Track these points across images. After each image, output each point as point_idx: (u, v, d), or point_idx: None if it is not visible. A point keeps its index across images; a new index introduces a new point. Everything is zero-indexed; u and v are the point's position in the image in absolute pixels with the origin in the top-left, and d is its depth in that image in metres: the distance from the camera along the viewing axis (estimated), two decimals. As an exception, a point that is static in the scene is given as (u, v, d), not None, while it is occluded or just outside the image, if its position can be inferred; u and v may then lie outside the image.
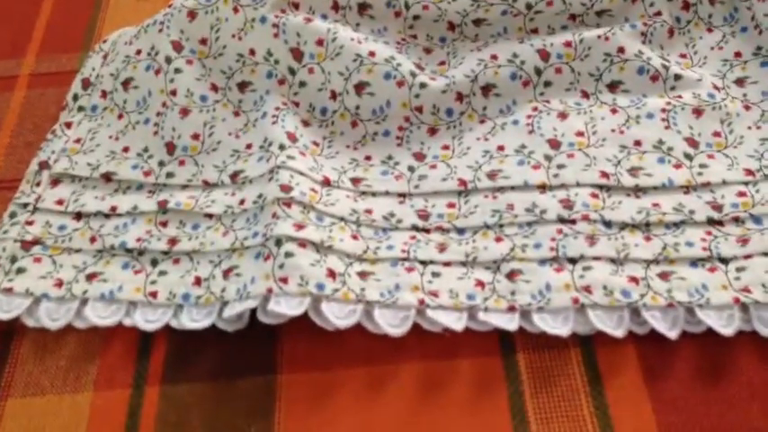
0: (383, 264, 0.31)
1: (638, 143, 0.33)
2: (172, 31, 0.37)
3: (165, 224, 0.33)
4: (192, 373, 0.29)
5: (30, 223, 0.33)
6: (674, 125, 0.34)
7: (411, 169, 0.34)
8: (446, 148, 0.35)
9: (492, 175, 0.33)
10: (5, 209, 0.34)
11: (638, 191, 0.32)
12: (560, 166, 0.33)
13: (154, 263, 0.32)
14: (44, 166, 0.35)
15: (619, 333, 0.28)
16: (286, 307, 0.29)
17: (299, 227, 0.31)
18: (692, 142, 0.33)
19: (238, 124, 0.36)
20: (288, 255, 0.30)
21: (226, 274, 0.31)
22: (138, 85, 0.37)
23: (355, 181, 0.34)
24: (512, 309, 0.29)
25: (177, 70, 0.37)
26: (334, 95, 0.36)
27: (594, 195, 0.32)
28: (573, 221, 0.31)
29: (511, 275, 0.30)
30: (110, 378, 0.29)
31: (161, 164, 0.35)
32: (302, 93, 0.36)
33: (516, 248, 0.30)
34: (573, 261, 0.30)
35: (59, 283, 0.31)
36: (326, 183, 0.34)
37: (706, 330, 0.28)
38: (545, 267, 0.30)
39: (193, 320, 0.30)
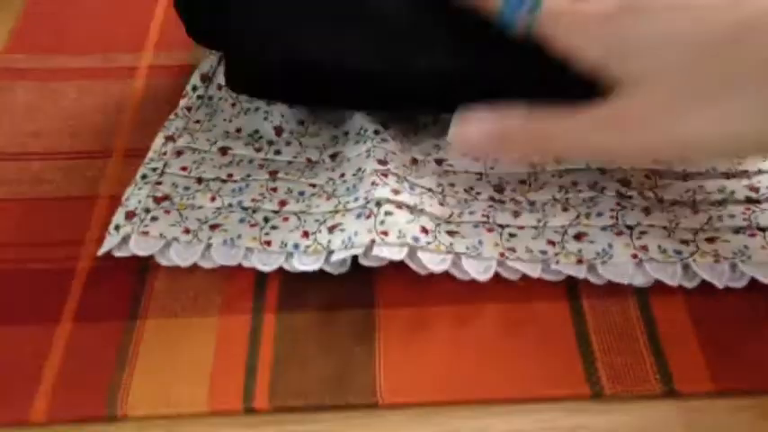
0: (467, 225, 0.36)
1: None
2: None
3: (275, 190, 0.39)
4: (303, 305, 0.34)
5: (159, 183, 0.39)
6: None
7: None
8: None
9: (558, 160, 0.38)
10: (135, 171, 0.40)
11: (685, 175, 0.37)
12: None
13: (266, 219, 0.37)
14: (170, 139, 0.41)
15: (673, 282, 0.33)
16: (388, 252, 0.34)
17: (396, 192, 0.36)
18: None
19: (337, 116, 0.42)
20: (387, 213, 0.35)
21: (331, 229, 0.36)
22: None
23: (438, 162, 0.39)
24: (580, 261, 0.34)
25: None
26: None
27: (648, 177, 0.37)
28: (630, 197, 0.36)
29: (577, 237, 0.35)
30: (232, 306, 0.34)
31: (270, 143, 0.41)
32: None
33: (581, 216, 0.36)
34: (630, 228, 0.35)
35: (187, 231, 0.36)
36: (414, 162, 0.39)
37: (747, 285, 0.33)
38: (606, 231, 0.35)
39: (303, 264, 0.35)
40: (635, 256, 0.34)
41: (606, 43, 0.30)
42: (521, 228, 0.36)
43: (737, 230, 0.35)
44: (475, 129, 0.33)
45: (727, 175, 0.37)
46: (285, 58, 0.38)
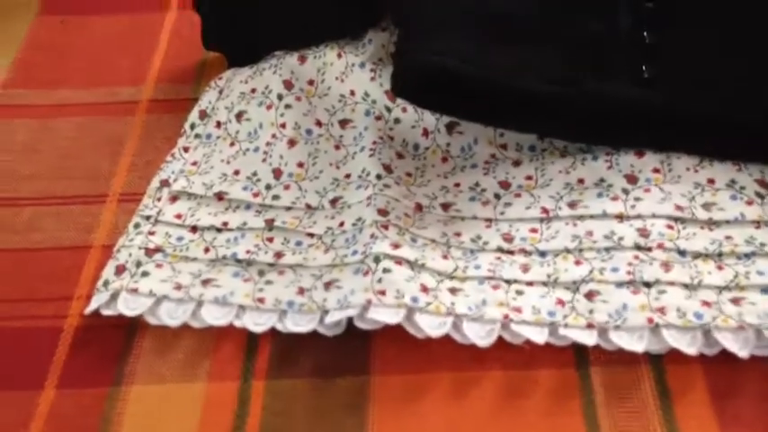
0: (471, 281, 0.34)
1: (711, 181, 0.36)
2: (284, 72, 0.41)
3: (271, 240, 0.37)
4: (294, 371, 0.33)
5: (152, 233, 0.37)
6: (745, 168, 0.36)
7: (497, 197, 0.37)
8: (529, 178, 0.38)
9: (572, 205, 0.36)
10: (129, 218, 0.38)
11: (711, 224, 0.34)
12: (637, 199, 0.35)
13: (261, 273, 0.35)
14: (165, 183, 0.40)
15: (692, 351, 0.30)
16: (385, 315, 0.32)
17: (396, 246, 0.34)
18: (763, 183, 0.35)
19: (339, 156, 0.40)
20: (385, 270, 0.33)
21: (327, 286, 0.34)
22: (251, 117, 0.41)
23: (445, 206, 0.37)
24: (590, 326, 0.32)
25: (287, 106, 0.41)
26: (426, 133, 0.39)
27: (670, 227, 0.34)
28: (649, 249, 0.33)
29: (589, 295, 0.32)
30: (221, 371, 0.33)
31: (268, 187, 0.39)
32: (396, 129, 0.40)
33: (595, 271, 0.33)
34: (648, 285, 0.32)
35: (178, 287, 0.35)
36: (419, 209, 0.37)
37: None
38: (622, 289, 0.32)
39: (297, 325, 0.33)
40: (651, 321, 0.31)
41: None
42: (529, 284, 0.33)
43: (766, 289, 0.32)
44: None
45: (758, 224, 0.34)
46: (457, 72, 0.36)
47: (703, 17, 0.38)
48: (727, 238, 0.34)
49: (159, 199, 0.39)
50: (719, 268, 0.33)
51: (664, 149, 0.37)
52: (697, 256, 0.33)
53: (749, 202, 0.35)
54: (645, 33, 0.37)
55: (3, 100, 0.46)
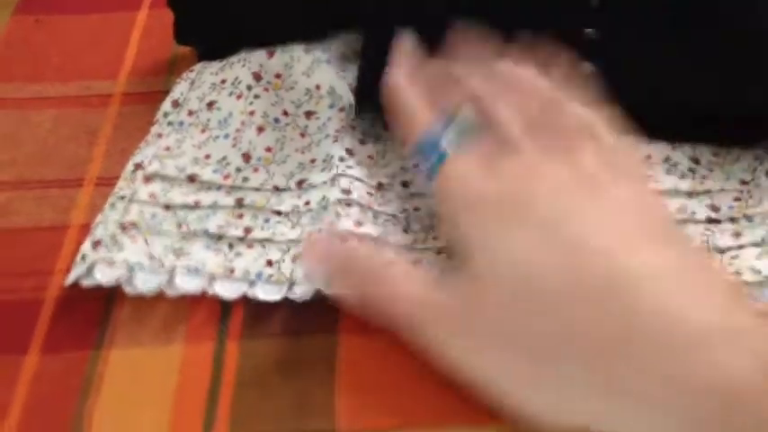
0: (430, 252, 0.37)
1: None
2: (252, 65, 0.44)
3: (240, 216, 0.39)
4: (267, 331, 0.35)
5: (127, 212, 0.39)
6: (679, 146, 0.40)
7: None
8: None
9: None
10: (105, 200, 0.40)
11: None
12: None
13: (231, 246, 0.38)
14: (138, 167, 0.42)
15: None
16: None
17: (359, 223, 0.37)
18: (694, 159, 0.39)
19: (305, 143, 0.42)
20: None
21: (294, 258, 0.36)
22: (221, 107, 0.44)
23: (405, 184, 0.40)
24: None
25: (256, 96, 0.43)
26: (386, 125, 0.42)
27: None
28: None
29: None
30: (197, 334, 0.35)
31: (238, 170, 0.41)
32: (358, 120, 0.43)
33: None
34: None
35: (151, 257, 0.37)
36: (380, 187, 0.40)
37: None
38: None
39: (266, 293, 0.36)
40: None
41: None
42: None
43: None
44: (322, 246, 0.33)
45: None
46: None
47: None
48: None
49: (134, 181, 0.41)
50: None
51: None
52: None
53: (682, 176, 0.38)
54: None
55: (-19, 93, 0.48)
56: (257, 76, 0.44)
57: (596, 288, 0.25)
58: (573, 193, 0.28)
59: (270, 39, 0.46)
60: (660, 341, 0.25)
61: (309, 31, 0.46)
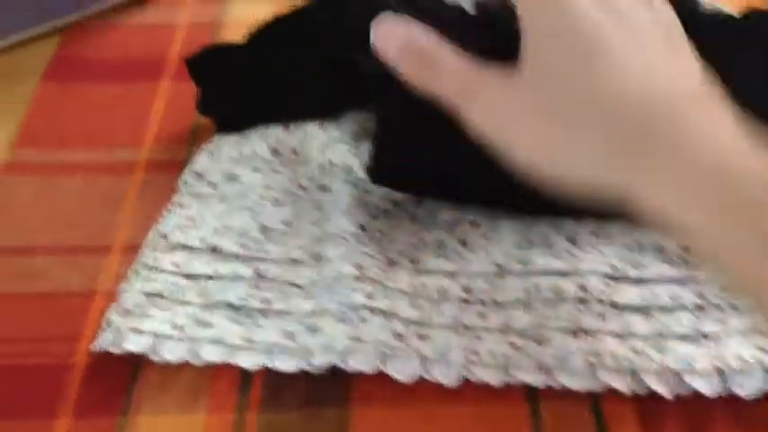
0: (437, 329, 0.39)
1: None
2: (270, 139, 0.47)
3: (259, 288, 0.42)
4: (284, 403, 0.37)
5: (151, 279, 0.42)
6: None
7: (458, 253, 0.43)
8: (485, 238, 0.43)
9: (523, 262, 0.41)
10: (131, 267, 0.43)
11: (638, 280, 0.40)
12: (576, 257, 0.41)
13: (250, 317, 0.40)
14: (163, 236, 0.44)
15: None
16: (363, 363, 0.37)
17: (370, 297, 0.39)
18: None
19: (319, 217, 0.45)
20: (362, 320, 0.38)
21: (311, 331, 0.39)
22: (240, 179, 0.46)
23: (413, 261, 0.42)
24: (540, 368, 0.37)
25: (274, 170, 0.46)
26: (396, 202, 0.45)
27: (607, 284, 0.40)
28: (587, 301, 0.39)
29: (538, 341, 0.38)
30: (218, 404, 0.37)
31: (256, 241, 0.44)
32: (369, 196, 0.45)
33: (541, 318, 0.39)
34: (586, 332, 0.38)
35: (176, 327, 0.39)
36: (390, 263, 0.42)
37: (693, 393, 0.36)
38: (565, 336, 0.38)
39: (284, 364, 0.38)
40: (591, 364, 0.36)
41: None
42: (486, 329, 0.39)
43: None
44: (398, 31, 0.34)
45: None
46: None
47: None
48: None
49: (158, 250, 0.43)
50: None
51: None
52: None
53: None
54: None
55: (12, 158, 0.50)
56: (275, 151, 0.47)
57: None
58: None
59: (286, 115, 0.49)
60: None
61: (324, 109, 0.49)
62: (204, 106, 0.51)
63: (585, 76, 0.31)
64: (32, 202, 0.48)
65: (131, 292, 0.41)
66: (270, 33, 0.50)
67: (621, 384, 0.36)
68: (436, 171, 0.43)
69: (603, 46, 0.31)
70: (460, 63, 0.34)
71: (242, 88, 0.50)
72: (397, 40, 0.34)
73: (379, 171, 0.44)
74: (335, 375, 0.38)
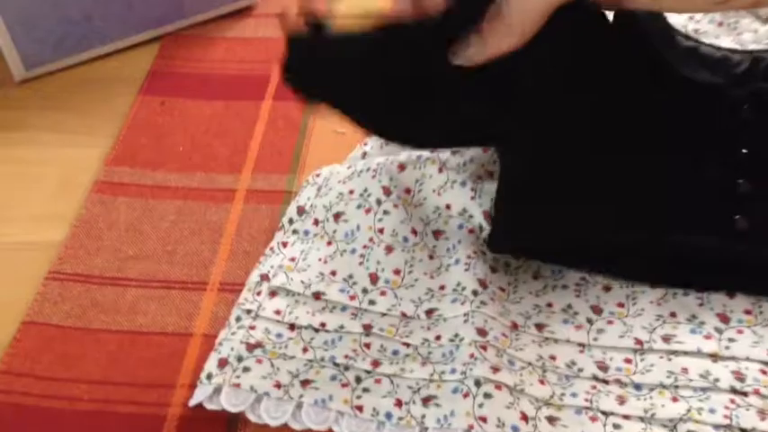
0: (568, 410, 0.35)
1: None
2: (383, 178, 0.43)
3: (368, 346, 0.38)
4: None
5: (252, 328, 0.38)
6: None
7: (589, 321, 0.38)
8: (621, 305, 0.39)
9: (666, 339, 0.37)
10: (228, 308, 0.40)
11: None
12: (731, 340, 0.36)
13: (358, 379, 0.36)
14: (264, 278, 0.41)
15: None
16: None
17: (496, 370, 0.35)
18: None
19: (433, 266, 0.41)
20: (486, 395, 0.34)
21: (425, 401, 0.35)
22: (349, 219, 0.43)
23: (539, 327, 0.38)
24: (689, 468, 0.32)
25: (385, 212, 0.42)
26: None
27: (764, 372, 0.35)
28: (745, 394, 0.34)
29: None
30: (321, 478, 0.34)
31: (364, 291, 0.40)
32: None
33: (692, 410, 0.34)
34: (744, 431, 0.33)
35: (278, 385, 0.36)
36: (514, 327, 0.38)
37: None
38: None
39: (395, 438, 0.34)
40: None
41: None
42: (625, 417, 0.34)
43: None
44: None
45: None
46: None
47: None
48: None
49: (259, 293, 0.40)
50: None
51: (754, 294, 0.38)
52: None
53: None
54: (738, 182, 0.38)
55: (108, 177, 0.48)
56: (387, 191, 0.43)
57: None
58: None
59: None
60: None
61: (445, 138, 0.44)
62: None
63: None
64: (125, 226, 0.45)
65: (231, 342, 0.37)
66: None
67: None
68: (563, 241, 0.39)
69: None
70: None
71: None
72: None
73: (498, 242, 0.40)
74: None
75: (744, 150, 0.38)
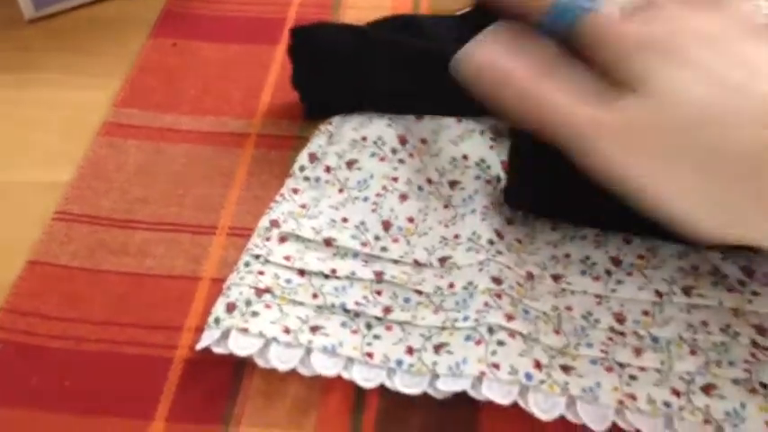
0: (583, 360, 0.34)
1: None
2: (398, 127, 0.42)
3: (379, 293, 0.37)
4: (402, 430, 0.33)
5: (261, 273, 0.38)
6: None
7: (608, 273, 0.37)
8: (641, 257, 0.38)
9: (687, 291, 0.36)
10: (237, 252, 0.39)
11: None
12: (754, 293, 0.35)
13: (368, 326, 0.36)
14: (274, 224, 0.40)
15: None
16: (498, 394, 0.32)
17: (510, 318, 0.34)
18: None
19: (447, 216, 0.40)
20: (500, 343, 0.33)
21: (437, 348, 0.34)
22: (362, 167, 0.42)
23: (556, 278, 0.37)
24: (707, 421, 0.31)
25: (401, 161, 0.41)
26: None
27: None
28: (766, 348, 0.33)
29: (706, 389, 0.32)
30: (329, 423, 0.33)
31: (377, 238, 0.39)
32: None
33: (711, 363, 0.33)
34: (765, 386, 0.32)
35: (287, 330, 0.35)
36: (530, 277, 0.37)
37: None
38: (739, 386, 0.32)
39: (406, 386, 0.34)
40: (769, 425, 0.31)
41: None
42: (642, 369, 0.33)
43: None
44: (486, 53, 0.32)
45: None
46: None
47: None
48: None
49: (268, 239, 0.39)
50: None
51: None
52: None
53: None
54: None
55: (117, 118, 0.47)
56: (402, 140, 0.42)
57: (753, 118, 0.27)
58: (719, 38, 0.29)
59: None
60: None
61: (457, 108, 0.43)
62: (299, 81, 0.46)
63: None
64: (134, 168, 0.44)
65: (240, 286, 0.37)
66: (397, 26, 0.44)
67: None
68: (578, 201, 0.38)
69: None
70: (580, 108, 0.30)
71: (345, 74, 0.44)
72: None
73: (515, 195, 0.39)
74: (460, 402, 0.33)
75: None
